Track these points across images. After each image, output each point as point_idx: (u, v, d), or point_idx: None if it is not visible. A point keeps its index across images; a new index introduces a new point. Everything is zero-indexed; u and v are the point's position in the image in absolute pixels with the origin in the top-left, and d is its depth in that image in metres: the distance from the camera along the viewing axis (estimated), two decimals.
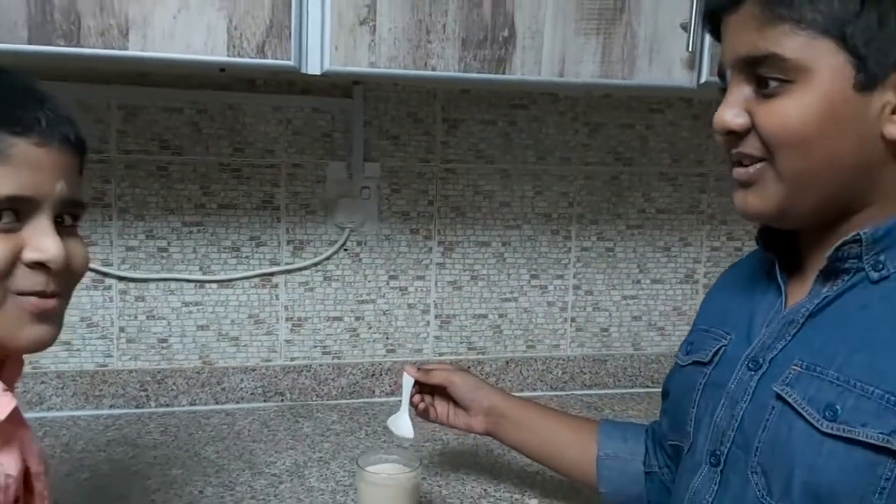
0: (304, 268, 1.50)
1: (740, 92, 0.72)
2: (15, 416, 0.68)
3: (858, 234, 0.70)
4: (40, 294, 0.68)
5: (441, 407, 1.12)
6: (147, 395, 1.44)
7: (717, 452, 0.77)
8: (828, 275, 0.73)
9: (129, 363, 1.44)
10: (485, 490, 1.18)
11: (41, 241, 0.67)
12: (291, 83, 1.43)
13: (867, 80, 0.67)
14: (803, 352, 0.72)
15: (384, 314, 1.54)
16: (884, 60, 0.67)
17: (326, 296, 1.51)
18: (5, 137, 0.65)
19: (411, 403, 1.11)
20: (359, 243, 1.52)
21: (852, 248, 0.71)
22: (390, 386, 1.54)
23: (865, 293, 0.70)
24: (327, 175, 1.48)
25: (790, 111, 0.69)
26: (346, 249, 1.51)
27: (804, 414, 0.68)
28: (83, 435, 1.32)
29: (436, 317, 1.57)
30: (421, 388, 1.12)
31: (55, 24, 0.99)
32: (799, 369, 0.71)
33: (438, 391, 1.12)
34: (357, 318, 1.53)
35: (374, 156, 1.49)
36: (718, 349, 0.81)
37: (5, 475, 0.65)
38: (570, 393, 1.63)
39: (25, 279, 0.67)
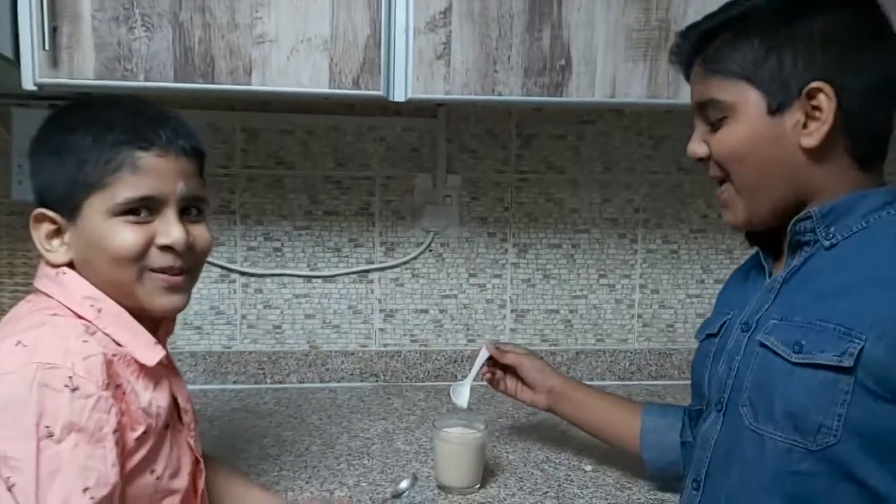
0: (395, 266, 1.71)
1: (700, 128, 0.94)
2: (165, 362, 0.91)
3: (810, 212, 0.88)
4: (169, 270, 0.88)
5: (510, 382, 1.31)
6: (264, 373, 1.69)
7: (721, 400, 0.93)
8: (793, 247, 0.90)
9: (249, 346, 1.69)
10: (546, 456, 1.35)
11: (168, 229, 0.87)
12: (384, 107, 1.65)
13: (777, 107, 0.87)
14: (779, 309, 0.89)
15: (465, 308, 1.74)
16: (786, 91, 0.86)
17: (414, 291, 1.73)
18: (135, 153, 0.85)
19: (481, 375, 1.30)
20: (442, 245, 1.72)
21: (806, 223, 0.88)
22: (469, 371, 1.73)
23: (822, 258, 0.88)
24: (415, 185, 1.69)
25: (729, 138, 0.90)
26: (431, 250, 1.72)
27: (779, 352, 0.86)
28: (212, 404, 1.58)
29: (511, 311, 1.75)
30: (494, 363, 1.31)
31: (195, 66, 1.24)
32: (775, 321, 0.88)
33: (509, 370, 1.31)
34: (441, 311, 1.74)
35: (456, 168, 1.70)
36: (724, 322, 0.99)
37: (157, 406, 0.88)
38: (636, 383, 1.78)
39: (157, 259, 0.87)
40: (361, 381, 1.72)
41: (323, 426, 1.47)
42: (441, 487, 1.21)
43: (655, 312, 1.80)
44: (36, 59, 1.21)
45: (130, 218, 0.86)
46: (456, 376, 1.74)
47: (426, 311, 1.74)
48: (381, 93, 1.28)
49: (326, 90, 1.27)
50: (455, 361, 1.74)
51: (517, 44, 1.28)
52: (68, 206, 0.86)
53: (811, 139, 0.85)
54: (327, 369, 1.71)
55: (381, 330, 1.73)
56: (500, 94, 1.29)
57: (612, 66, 1.30)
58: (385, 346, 1.73)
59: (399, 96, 1.29)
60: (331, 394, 1.65)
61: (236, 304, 1.68)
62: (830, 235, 0.87)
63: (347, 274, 1.70)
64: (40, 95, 1.53)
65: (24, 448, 0.73)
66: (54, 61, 1.22)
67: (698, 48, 0.92)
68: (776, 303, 0.90)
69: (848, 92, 0.84)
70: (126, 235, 0.85)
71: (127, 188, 0.85)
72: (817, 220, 0.87)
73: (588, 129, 1.72)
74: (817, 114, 0.85)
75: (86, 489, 0.75)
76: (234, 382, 1.68)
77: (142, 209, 0.86)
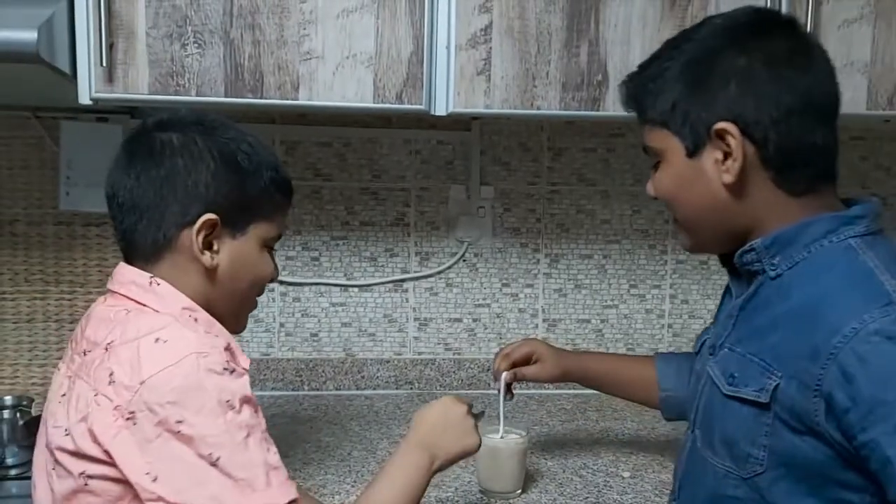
0: (430, 275, 1.75)
1: (651, 170, 1.00)
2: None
3: (753, 244, 0.90)
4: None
5: (527, 370, 1.31)
6: (301, 380, 1.73)
7: (692, 419, 1.00)
8: (746, 276, 0.93)
9: (287, 353, 1.73)
10: (584, 463, 1.38)
11: (275, 264, 1.00)
12: (420, 120, 1.69)
13: (694, 150, 0.91)
14: (732, 337, 0.94)
15: (497, 317, 1.77)
16: (697, 134, 0.90)
17: (448, 300, 1.76)
18: (289, 199, 1.00)
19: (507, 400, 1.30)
20: (476, 255, 1.76)
21: (750, 254, 0.91)
22: None
23: (769, 289, 0.90)
24: (449, 197, 1.73)
25: (661, 181, 0.96)
26: (464, 260, 1.75)
27: (717, 382, 0.92)
28: None
29: (543, 320, 1.78)
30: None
31: (245, 82, 1.29)
32: (726, 350, 0.93)
33: (522, 360, 1.32)
34: (474, 320, 1.77)
35: (489, 180, 1.73)
36: (703, 341, 1.05)
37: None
38: None
39: (264, 289, 1.02)
40: (396, 388, 1.75)
41: (363, 432, 1.50)
42: (483, 492, 1.24)
43: (685, 322, 1.82)
44: (92, 74, 1.26)
45: (268, 251, 0.98)
46: (489, 384, 1.76)
47: (460, 320, 1.77)
48: (423, 107, 1.31)
49: (371, 105, 1.31)
50: (488, 370, 1.77)
51: (555, 59, 1.32)
52: (239, 224, 0.93)
53: (728, 176, 0.88)
54: (363, 377, 1.74)
55: (415, 338, 1.76)
56: (538, 109, 1.33)
57: None
58: (419, 354, 1.77)
59: (440, 110, 1.33)
60: (367, 401, 1.69)
61: (275, 313, 1.72)
62: (775, 266, 0.89)
63: (383, 283, 1.74)
64: (88, 109, 1.58)
65: (216, 424, 0.78)
66: (110, 77, 1.26)
67: (631, 99, 0.98)
68: (734, 329, 0.94)
69: (758, 126, 0.87)
70: (271, 264, 0.99)
71: (280, 227, 0.99)
72: (761, 251, 0.90)
73: (618, 142, 1.75)
74: (728, 151, 0.88)
75: (269, 448, 0.82)
76: (273, 389, 1.72)
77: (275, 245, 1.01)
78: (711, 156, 0.89)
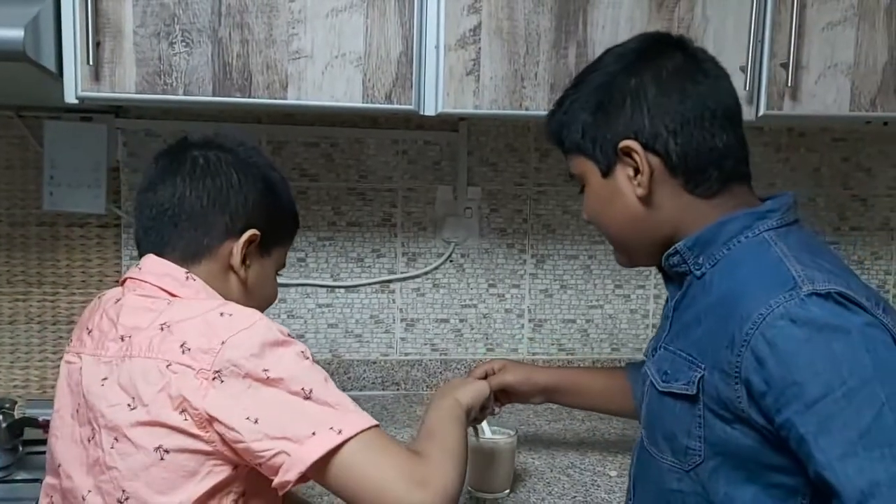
0: (417, 276, 1.75)
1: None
2: None
3: (676, 247, 0.95)
4: None
5: (504, 399, 1.30)
6: None
7: (640, 420, 1.05)
8: (677, 279, 0.98)
9: None
10: (571, 462, 1.38)
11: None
12: (407, 120, 1.69)
13: (606, 170, 0.97)
14: (668, 337, 0.98)
15: (484, 317, 1.78)
16: (606, 155, 0.96)
17: (435, 300, 1.76)
18: (295, 233, 1.08)
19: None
20: (462, 255, 1.76)
21: (675, 258, 0.96)
22: None
23: (696, 287, 0.95)
24: (436, 197, 1.73)
25: (587, 203, 1.03)
26: (451, 261, 1.75)
27: (653, 380, 0.97)
28: None
29: (529, 321, 1.79)
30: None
31: (233, 81, 1.28)
32: (661, 350, 0.98)
33: (497, 392, 1.28)
34: (461, 321, 1.77)
35: (476, 180, 1.74)
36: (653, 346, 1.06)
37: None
38: None
39: None
40: (383, 389, 1.75)
41: None
42: (472, 492, 1.24)
43: None
44: (79, 73, 1.25)
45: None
46: None
47: (446, 321, 1.77)
48: (412, 107, 1.31)
49: (360, 104, 1.31)
50: None
51: (544, 61, 1.33)
52: (268, 244, 1.01)
53: (640, 189, 0.94)
54: (350, 378, 1.74)
55: (402, 339, 1.76)
56: (527, 109, 1.34)
57: None
58: (406, 355, 1.76)
59: (430, 111, 1.33)
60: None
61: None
62: (699, 265, 0.94)
63: (370, 284, 1.74)
64: (72, 108, 1.57)
65: (300, 367, 0.86)
66: (96, 75, 1.25)
67: (551, 134, 1.04)
68: (669, 330, 0.98)
69: (657, 139, 0.92)
70: (277, 289, 1.08)
71: (286, 256, 1.08)
72: (684, 252, 0.95)
73: None
74: (636, 166, 0.94)
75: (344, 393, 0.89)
76: None
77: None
78: (623, 173, 0.95)
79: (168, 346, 0.85)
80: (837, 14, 1.37)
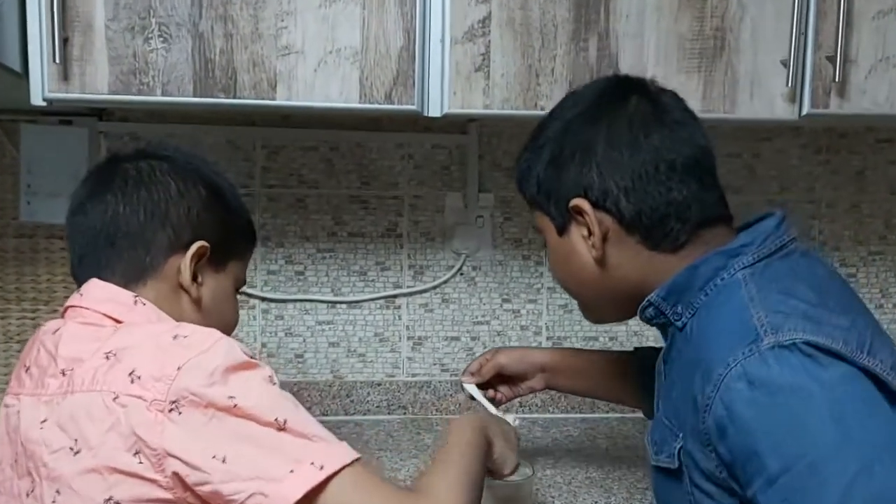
0: (424, 290, 1.62)
1: None
2: None
3: (649, 299, 0.88)
4: None
5: (504, 389, 1.24)
6: None
7: None
8: (661, 331, 0.92)
9: None
10: (595, 501, 1.25)
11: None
12: (413, 122, 1.56)
13: (561, 228, 0.93)
14: (660, 396, 0.93)
15: (498, 335, 1.64)
16: (560, 213, 0.92)
17: (444, 317, 1.63)
18: (253, 247, 1.01)
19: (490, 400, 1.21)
20: (474, 268, 1.62)
21: (649, 310, 0.89)
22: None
23: (680, 339, 0.88)
24: (445, 205, 1.60)
25: (549, 257, 1.00)
26: (462, 274, 1.62)
27: (650, 451, 0.89)
28: None
29: (547, 338, 1.65)
30: (481, 386, 1.22)
31: (216, 79, 1.16)
32: (657, 413, 0.92)
33: (494, 379, 1.22)
34: (473, 339, 1.64)
35: (488, 187, 1.60)
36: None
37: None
38: None
39: None
40: (388, 413, 1.62)
41: None
42: None
43: None
44: (45, 72, 1.13)
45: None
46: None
47: (457, 339, 1.63)
48: (415, 107, 1.19)
49: (356, 105, 1.18)
50: None
51: (561, 55, 1.19)
52: (221, 258, 0.92)
53: (595, 251, 0.90)
54: (352, 401, 1.61)
55: (409, 359, 1.63)
56: (542, 109, 1.19)
57: (664, 79, 1.17)
58: (413, 375, 1.63)
59: (434, 111, 1.20)
60: (357, 428, 1.55)
61: (256, 332, 1.59)
62: (679, 315, 0.87)
63: (374, 299, 1.61)
64: (50, 111, 1.46)
65: (269, 393, 0.75)
66: (65, 74, 1.13)
67: (515, 182, 1.00)
68: (661, 388, 0.92)
69: (607, 197, 0.87)
70: (238, 311, 0.98)
71: (245, 271, 0.99)
72: (658, 303, 0.88)
73: None
74: (589, 226, 0.89)
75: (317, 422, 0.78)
76: None
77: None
78: (578, 232, 0.91)
79: (114, 376, 0.74)
80: (888, 2, 1.22)
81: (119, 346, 0.77)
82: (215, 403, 0.72)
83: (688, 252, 0.87)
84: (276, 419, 0.73)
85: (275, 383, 0.77)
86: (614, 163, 0.87)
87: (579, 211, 0.89)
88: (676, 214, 0.87)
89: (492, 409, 1.19)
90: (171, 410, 0.72)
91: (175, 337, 0.77)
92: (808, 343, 0.73)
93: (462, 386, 1.22)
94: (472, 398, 1.21)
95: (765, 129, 1.62)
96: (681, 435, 0.81)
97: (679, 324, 0.87)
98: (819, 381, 0.71)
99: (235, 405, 0.73)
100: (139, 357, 0.75)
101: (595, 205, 0.88)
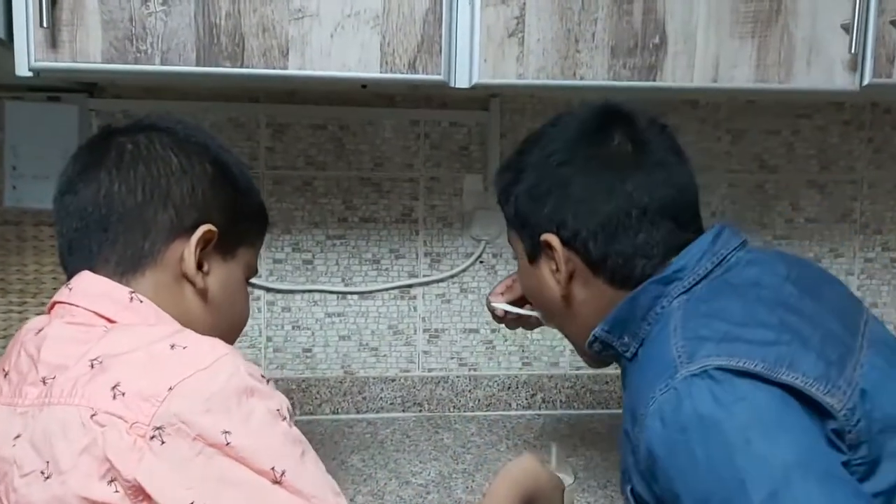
0: (441, 280, 1.51)
1: None
2: None
3: (594, 334, 0.90)
4: None
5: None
6: (293, 403, 1.46)
7: None
8: (617, 363, 0.93)
9: (276, 372, 1.49)
10: None
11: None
12: (429, 98, 1.45)
13: (531, 257, 0.94)
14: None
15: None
16: (532, 243, 0.92)
17: (463, 308, 1.52)
18: (265, 232, 0.91)
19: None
20: (494, 255, 1.52)
21: (595, 344, 0.91)
22: (527, 399, 1.53)
23: (631, 370, 0.88)
24: (464, 188, 1.49)
25: (519, 276, 1.01)
26: (481, 262, 1.52)
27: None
28: None
29: None
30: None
31: (221, 46, 1.04)
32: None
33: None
34: (493, 331, 1.53)
35: None
36: None
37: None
38: None
39: None
40: (403, 411, 1.51)
41: (366, 469, 1.26)
42: None
43: None
44: (32, 38, 1.01)
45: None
46: (510, 404, 1.53)
47: (476, 331, 1.53)
48: (441, 77, 1.07)
49: (377, 74, 1.07)
50: (509, 388, 1.53)
51: (603, 18, 1.08)
52: (230, 244, 0.82)
53: (560, 287, 0.91)
54: (364, 398, 1.50)
55: (425, 353, 1.52)
56: (582, 79, 1.09)
57: (715, 45, 1.10)
58: (430, 370, 1.53)
59: (463, 82, 1.09)
60: (370, 427, 1.45)
61: (261, 325, 1.48)
62: (626, 346, 0.88)
63: (387, 289, 1.50)
64: (37, 86, 1.34)
65: (273, 434, 0.65)
66: (53, 41, 1.02)
67: (496, 196, 0.99)
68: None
69: (577, 237, 0.88)
70: (249, 303, 0.89)
71: (257, 258, 0.89)
72: (603, 336, 0.89)
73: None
74: (557, 262, 0.90)
75: (325, 471, 0.69)
76: None
77: None
78: (547, 265, 0.92)
79: (95, 389, 0.64)
80: None
81: (107, 351, 0.66)
82: (206, 437, 0.62)
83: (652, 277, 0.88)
84: (273, 468, 0.63)
85: (284, 418, 0.67)
86: (587, 207, 0.88)
87: (549, 246, 0.90)
88: (643, 254, 0.87)
89: (531, 312, 1.05)
90: (152, 438, 0.62)
91: (172, 346, 0.66)
92: (719, 368, 0.72)
93: (492, 308, 1.10)
94: (506, 315, 1.08)
95: (805, 104, 1.52)
96: (629, 474, 0.80)
97: (628, 354, 0.88)
98: (727, 408, 0.70)
99: (229, 443, 0.63)
100: (127, 368, 0.65)
101: (565, 243, 0.89)
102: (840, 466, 0.70)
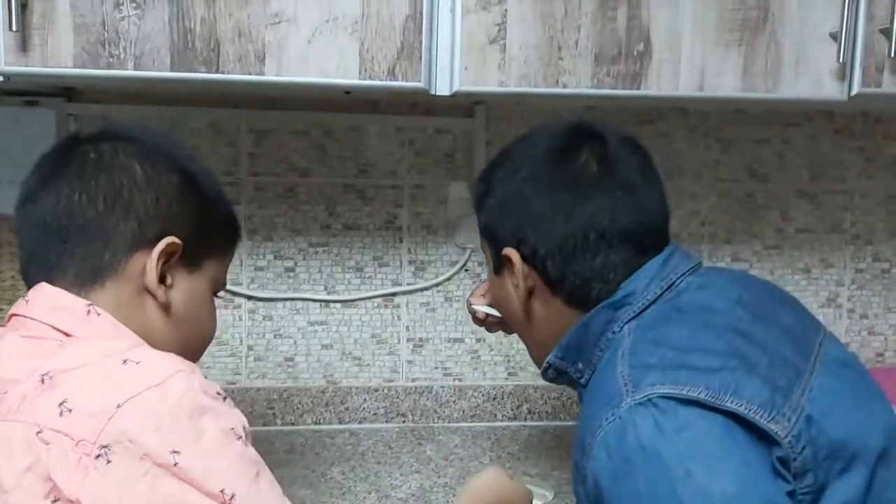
0: (426, 288, 1.49)
1: None
2: None
3: (548, 361, 0.90)
4: None
5: None
6: (273, 413, 1.46)
7: None
8: (574, 388, 0.92)
9: (257, 381, 1.46)
10: None
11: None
12: (414, 104, 1.43)
13: (496, 267, 0.94)
14: None
15: (506, 336, 1.51)
16: (498, 256, 0.92)
17: (447, 316, 1.50)
18: (236, 243, 0.88)
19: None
20: (479, 264, 1.49)
21: (549, 371, 0.91)
22: (512, 410, 1.51)
23: (584, 397, 0.86)
24: (449, 195, 1.47)
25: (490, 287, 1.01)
26: (466, 270, 1.49)
27: None
28: None
29: None
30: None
31: (196, 52, 1.02)
32: None
33: None
34: (478, 340, 1.51)
35: None
36: None
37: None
38: None
39: None
40: (386, 421, 1.49)
41: (346, 482, 1.24)
42: None
43: None
44: (1, 43, 0.99)
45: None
46: (495, 415, 1.51)
47: (461, 341, 1.50)
48: (421, 84, 1.05)
49: (356, 81, 1.05)
50: (494, 399, 1.51)
51: (586, 25, 1.06)
52: (196, 256, 0.80)
53: (520, 302, 0.91)
54: (347, 408, 1.48)
55: (409, 362, 1.50)
56: (565, 87, 1.07)
57: (701, 53, 1.08)
58: (413, 380, 1.50)
59: (443, 89, 1.07)
60: (352, 437, 1.42)
61: (242, 334, 1.45)
62: (581, 372, 0.88)
63: (370, 298, 1.47)
64: (13, 91, 1.32)
65: (224, 454, 0.64)
66: (24, 45, 0.99)
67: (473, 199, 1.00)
68: None
69: (536, 255, 0.88)
70: (215, 317, 0.85)
71: (226, 271, 0.87)
72: (557, 363, 0.89)
73: (647, 130, 1.49)
74: (517, 276, 0.89)
75: (282, 494, 0.69)
76: None
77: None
78: (510, 280, 0.92)
79: (42, 405, 0.62)
80: None
81: (59, 366, 0.65)
82: (153, 456, 0.61)
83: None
84: (222, 490, 0.62)
85: (240, 437, 0.65)
86: (546, 226, 0.87)
87: (510, 260, 0.90)
88: (600, 278, 0.86)
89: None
90: (98, 456, 0.60)
91: (125, 362, 0.65)
92: (663, 396, 0.71)
93: (472, 310, 1.08)
94: (487, 318, 1.06)
95: (796, 112, 1.50)
96: None
97: (583, 381, 0.87)
98: (668, 438, 0.69)
99: (177, 463, 0.61)
100: (77, 383, 0.63)
101: (525, 259, 0.89)
102: (783, 497, 0.69)
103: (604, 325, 0.85)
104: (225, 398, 0.68)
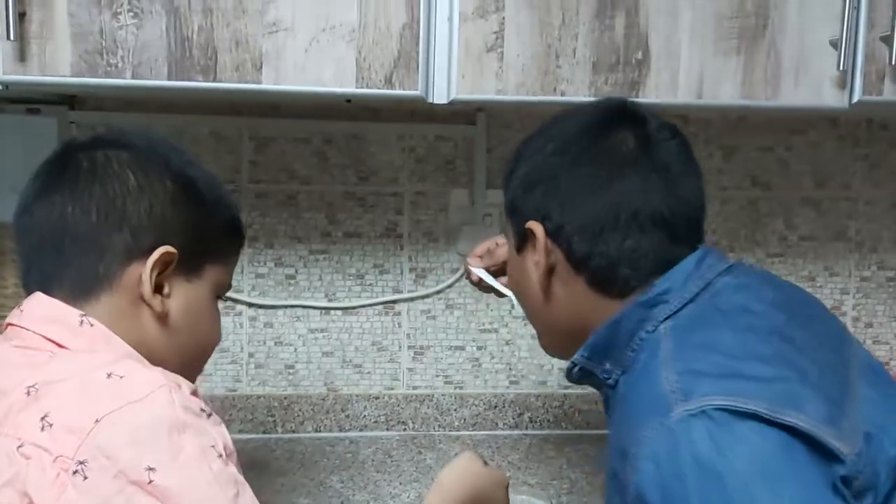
0: (427, 296, 1.48)
1: None
2: None
3: (573, 360, 0.84)
4: None
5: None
6: (274, 421, 1.46)
7: None
8: (598, 389, 0.88)
9: (258, 388, 1.46)
10: None
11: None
12: (415, 111, 1.43)
13: (518, 245, 0.88)
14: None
15: (507, 344, 1.51)
16: (520, 232, 0.87)
17: (448, 324, 1.50)
18: (240, 247, 0.88)
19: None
20: None
21: (576, 371, 0.85)
22: (513, 418, 1.50)
23: (615, 399, 0.82)
24: (450, 202, 1.47)
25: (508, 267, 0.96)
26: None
27: None
28: None
29: None
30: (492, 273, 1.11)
31: (194, 60, 1.02)
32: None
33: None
34: (479, 348, 1.50)
35: (497, 183, 1.45)
36: None
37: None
38: None
39: None
40: (387, 429, 1.48)
41: (345, 491, 1.24)
42: None
43: None
44: (0, 51, 0.99)
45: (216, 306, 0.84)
46: (497, 423, 1.50)
47: (462, 348, 1.50)
48: (418, 93, 1.05)
49: (352, 90, 1.05)
50: (496, 407, 1.50)
51: (584, 33, 1.06)
52: (195, 263, 0.79)
53: (539, 280, 0.86)
54: (347, 416, 1.48)
55: (409, 370, 1.50)
56: (563, 95, 1.07)
57: (699, 61, 1.07)
58: (414, 388, 1.50)
59: (440, 97, 1.07)
60: (352, 445, 1.42)
61: (242, 341, 1.45)
62: (608, 374, 0.83)
63: (371, 305, 1.47)
64: (16, 98, 1.33)
65: (201, 473, 0.62)
66: (22, 54, 1.00)
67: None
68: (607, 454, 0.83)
69: (561, 231, 0.83)
70: (219, 323, 0.85)
71: (231, 275, 0.87)
72: (584, 363, 0.84)
73: None
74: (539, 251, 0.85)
75: None
76: (240, 432, 1.45)
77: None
78: (531, 258, 0.86)
79: (25, 419, 0.62)
80: None
81: (45, 378, 0.64)
82: (127, 473, 0.60)
83: (631, 298, 0.81)
84: None
85: (220, 455, 0.64)
86: (574, 201, 0.82)
87: (533, 234, 0.85)
88: (628, 262, 0.81)
89: (504, 290, 1.05)
90: (75, 472, 0.59)
91: (109, 375, 0.64)
92: (719, 408, 0.66)
93: (468, 270, 1.08)
94: (481, 282, 1.07)
95: (799, 119, 1.49)
96: None
97: (611, 382, 0.83)
98: (726, 455, 0.64)
99: (152, 481, 0.60)
100: (60, 397, 0.63)
101: (549, 235, 0.84)
102: None
103: (636, 324, 0.79)
104: (210, 415, 0.67)
